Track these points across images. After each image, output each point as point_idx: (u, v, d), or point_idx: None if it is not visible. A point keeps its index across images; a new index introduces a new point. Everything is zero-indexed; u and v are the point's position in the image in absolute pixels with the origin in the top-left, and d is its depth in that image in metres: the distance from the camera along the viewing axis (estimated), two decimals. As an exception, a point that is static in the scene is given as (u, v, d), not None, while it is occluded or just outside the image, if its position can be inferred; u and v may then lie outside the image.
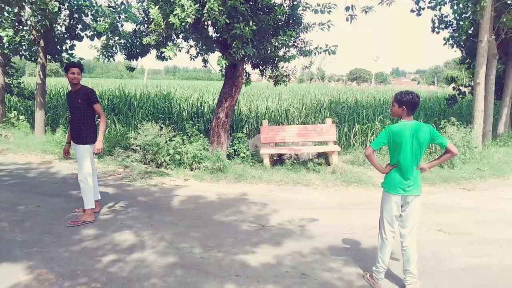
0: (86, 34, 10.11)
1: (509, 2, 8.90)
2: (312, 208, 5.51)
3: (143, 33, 8.03)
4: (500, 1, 8.99)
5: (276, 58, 8.04)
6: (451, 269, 3.71)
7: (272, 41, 7.21)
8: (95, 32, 9.72)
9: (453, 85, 14.33)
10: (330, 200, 5.95)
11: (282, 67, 8.41)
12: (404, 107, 3.22)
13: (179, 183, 6.60)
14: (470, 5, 8.97)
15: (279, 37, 7.03)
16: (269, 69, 8.48)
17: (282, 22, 7.69)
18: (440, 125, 8.63)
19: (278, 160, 8.17)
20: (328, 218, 5.09)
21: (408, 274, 3.28)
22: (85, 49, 11.44)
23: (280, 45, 7.57)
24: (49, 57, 10.37)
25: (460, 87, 14.08)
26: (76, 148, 4.70)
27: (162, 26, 6.47)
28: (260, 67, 8.52)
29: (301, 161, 8.12)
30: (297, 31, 7.69)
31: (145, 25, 8.15)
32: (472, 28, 11.49)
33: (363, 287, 3.39)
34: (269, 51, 7.29)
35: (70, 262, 3.63)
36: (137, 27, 8.37)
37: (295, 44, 8.03)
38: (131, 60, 8.75)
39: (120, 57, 13.39)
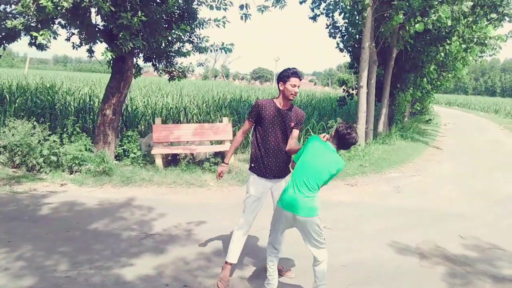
0: None
1: (385, 14, 9.88)
2: (204, 211, 5.30)
3: (9, 15, 6.87)
4: (379, 12, 9.93)
5: (170, 53, 7.65)
6: (332, 266, 3.82)
7: (165, 34, 6.81)
8: None
9: (343, 87, 15.52)
10: (224, 201, 5.82)
11: (177, 63, 8.04)
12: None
13: (54, 189, 5.78)
14: (355, 13, 9.72)
15: (173, 30, 6.66)
16: (163, 63, 8.04)
17: (176, 16, 7.33)
18: (328, 125, 9.18)
19: (172, 161, 7.78)
20: (219, 221, 4.92)
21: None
22: None
23: (174, 40, 7.22)
24: None
25: (349, 90, 15.34)
26: (278, 185, 3.51)
27: (32, 9, 5.59)
28: (153, 61, 8.02)
29: (198, 161, 7.86)
30: (192, 26, 7.42)
31: (11, 5, 6.98)
32: (358, 36, 12.55)
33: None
34: (161, 45, 6.86)
35: None
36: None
37: (191, 39, 7.75)
38: (-6, 45, 7.44)
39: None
